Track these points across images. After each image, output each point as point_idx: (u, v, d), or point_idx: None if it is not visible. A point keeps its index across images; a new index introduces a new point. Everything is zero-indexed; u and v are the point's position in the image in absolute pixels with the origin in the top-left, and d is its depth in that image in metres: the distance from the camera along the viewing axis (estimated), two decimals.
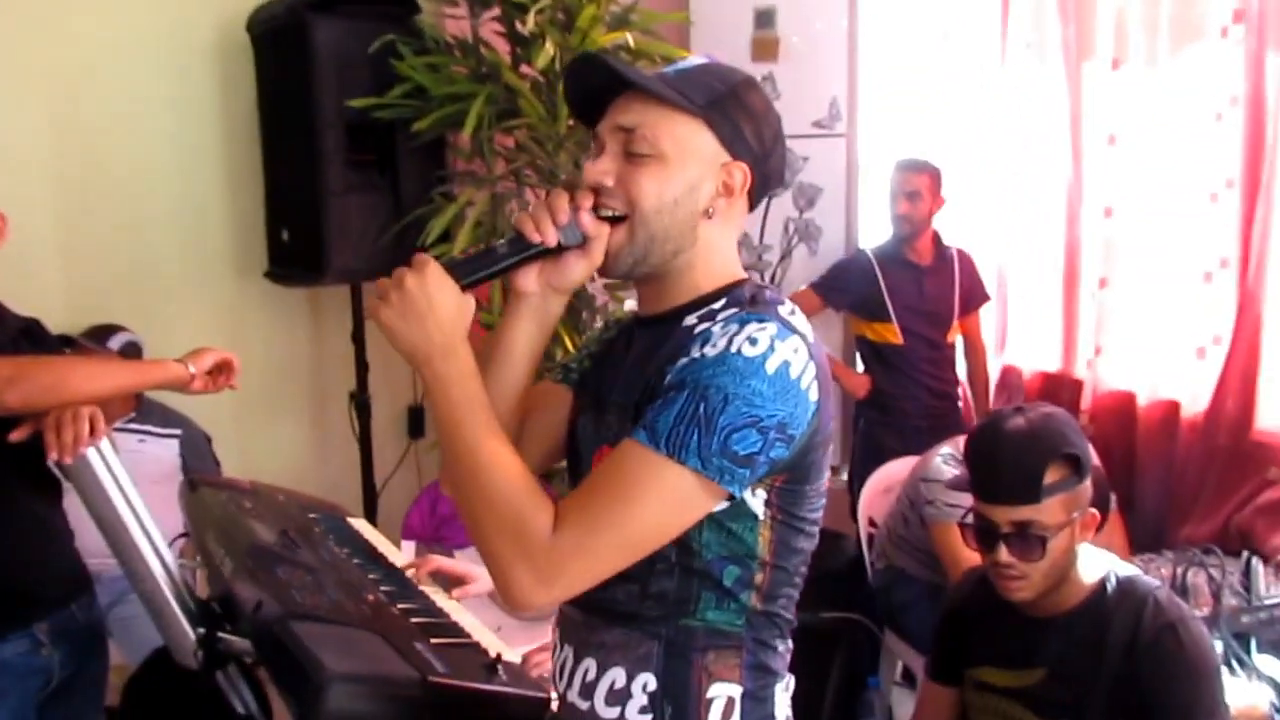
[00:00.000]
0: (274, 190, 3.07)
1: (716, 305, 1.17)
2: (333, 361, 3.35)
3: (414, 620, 1.74)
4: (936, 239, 3.37)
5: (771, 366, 1.07)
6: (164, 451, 2.77)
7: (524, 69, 2.86)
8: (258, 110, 3.06)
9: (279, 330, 3.30)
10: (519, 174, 2.96)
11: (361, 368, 3.17)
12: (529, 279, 1.21)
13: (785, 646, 1.24)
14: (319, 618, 1.58)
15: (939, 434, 2.80)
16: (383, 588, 1.83)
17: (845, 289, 3.35)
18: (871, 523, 2.98)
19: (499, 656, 1.64)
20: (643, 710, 1.19)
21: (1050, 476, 1.64)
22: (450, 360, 1.14)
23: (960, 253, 3.38)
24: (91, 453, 1.71)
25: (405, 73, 2.81)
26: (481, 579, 2.03)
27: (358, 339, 3.16)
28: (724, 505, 1.12)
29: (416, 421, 3.58)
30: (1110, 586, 1.67)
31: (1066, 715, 1.65)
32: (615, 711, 1.20)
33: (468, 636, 1.77)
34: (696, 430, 1.06)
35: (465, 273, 1.15)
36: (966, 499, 2.55)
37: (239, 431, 3.12)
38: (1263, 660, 1.88)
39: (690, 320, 1.17)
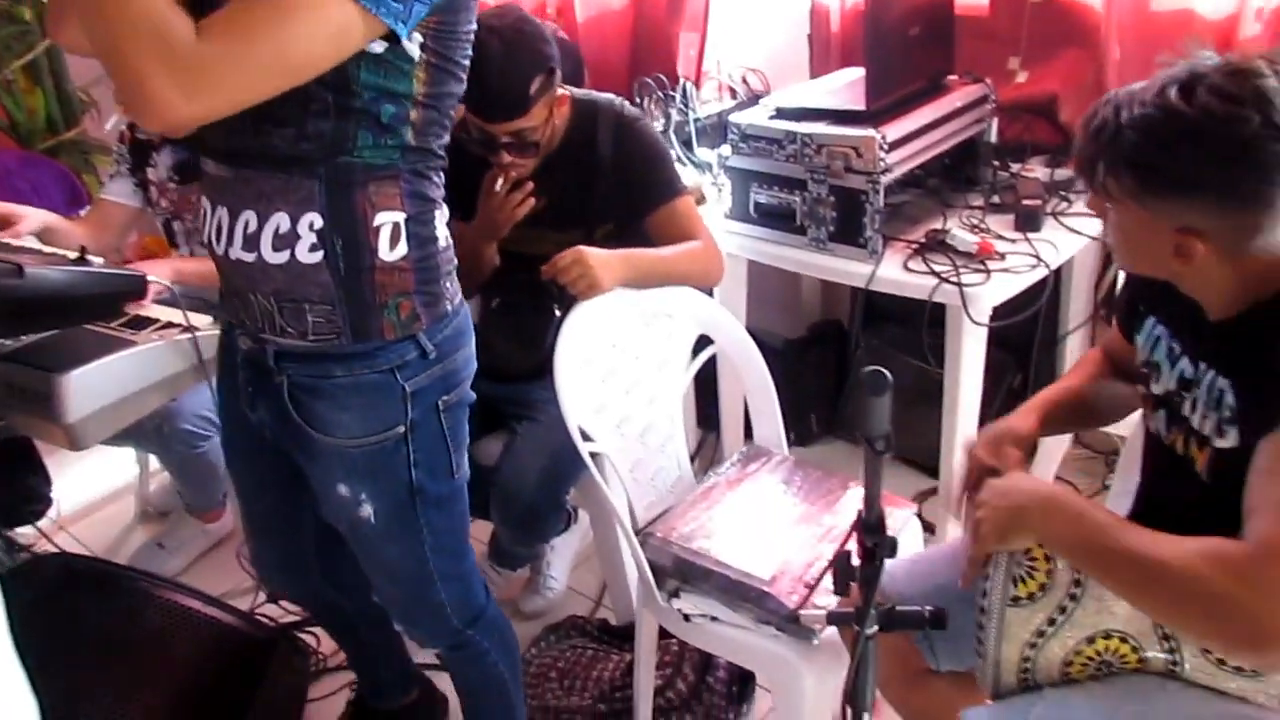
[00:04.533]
0: None
1: None
2: None
3: None
4: None
5: None
6: None
7: None
8: None
9: None
10: None
11: None
12: None
13: (439, 179, 1.34)
14: None
15: None
16: None
17: None
18: None
19: (84, 250, 1.75)
20: (313, 248, 1.23)
21: (533, 89, 1.79)
22: None
23: None
24: None
25: None
26: (28, 216, 2.02)
27: None
28: (382, 47, 1.16)
29: None
30: (581, 111, 1.96)
31: (576, 224, 1.97)
32: (284, 256, 1.24)
33: (41, 250, 1.84)
34: None
35: None
36: None
37: None
38: (702, 152, 2.51)
39: None
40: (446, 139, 1.33)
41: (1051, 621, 1.23)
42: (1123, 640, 1.22)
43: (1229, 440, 1.14)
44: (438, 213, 1.34)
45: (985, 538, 1.21)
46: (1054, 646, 1.24)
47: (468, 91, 1.77)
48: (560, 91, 1.90)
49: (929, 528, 2.43)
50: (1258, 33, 2.07)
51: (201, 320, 1.77)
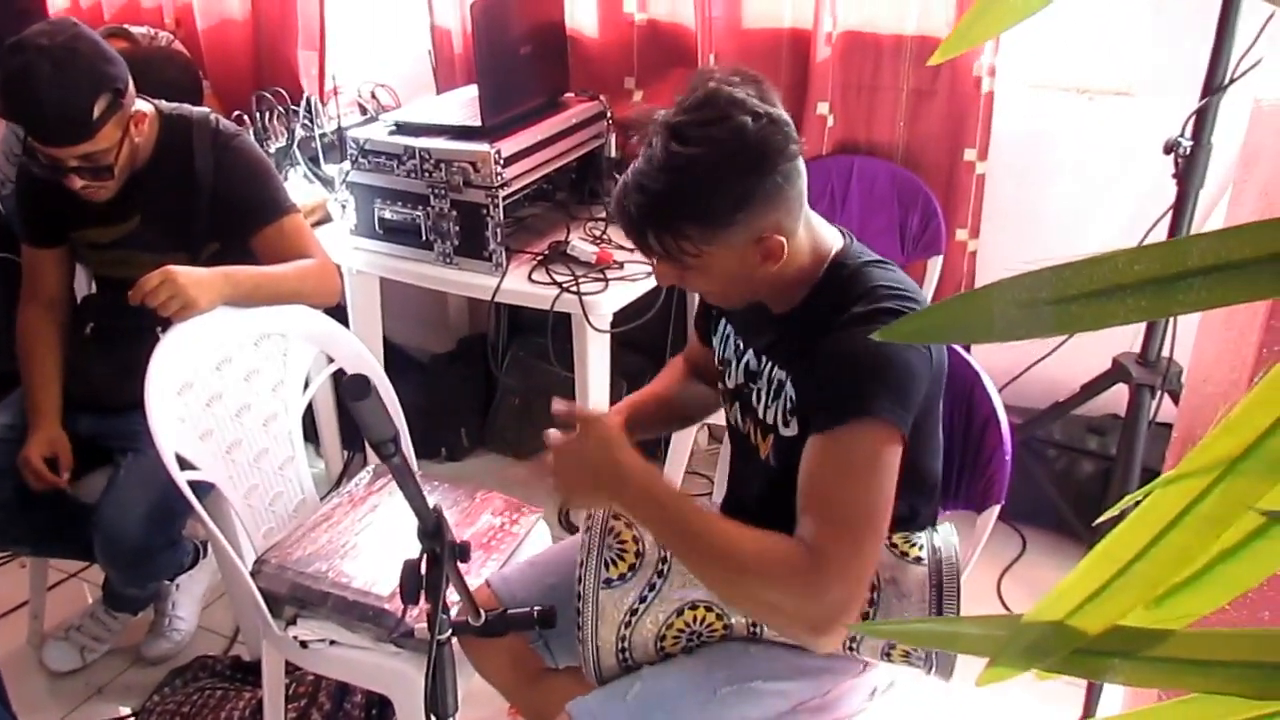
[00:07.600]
0: None
1: None
2: None
3: None
4: None
5: None
6: None
7: None
8: None
9: None
10: None
11: None
12: None
13: None
14: None
15: None
16: None
17: None
18: None
19: None
20: None
21: (97, 111, 1.68)
22: None
23: None
24: None
25: None
26: None
27: None
28: None
29: None
30: (173, 128, 1.86)
31: (177, 245, 1.85)
32: None
33: None
34: None
35: None
36: None
37: None
38: (330, 168, 2.44)
39: None
40: None
41: (642, 599, 1.30)
42: (708, 609, 1.32)
43: (792, 429, 1.26)
44: None
45: (560, 488, 1.22)
46: (646, 623, 1.31)
47: (23, 115, 1.69)
48: (140, 108, 1.80)
49: (574, 529, 2.50)
50: (827, 56, 2.32)
51: None
